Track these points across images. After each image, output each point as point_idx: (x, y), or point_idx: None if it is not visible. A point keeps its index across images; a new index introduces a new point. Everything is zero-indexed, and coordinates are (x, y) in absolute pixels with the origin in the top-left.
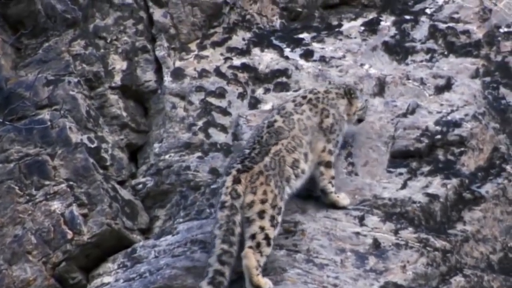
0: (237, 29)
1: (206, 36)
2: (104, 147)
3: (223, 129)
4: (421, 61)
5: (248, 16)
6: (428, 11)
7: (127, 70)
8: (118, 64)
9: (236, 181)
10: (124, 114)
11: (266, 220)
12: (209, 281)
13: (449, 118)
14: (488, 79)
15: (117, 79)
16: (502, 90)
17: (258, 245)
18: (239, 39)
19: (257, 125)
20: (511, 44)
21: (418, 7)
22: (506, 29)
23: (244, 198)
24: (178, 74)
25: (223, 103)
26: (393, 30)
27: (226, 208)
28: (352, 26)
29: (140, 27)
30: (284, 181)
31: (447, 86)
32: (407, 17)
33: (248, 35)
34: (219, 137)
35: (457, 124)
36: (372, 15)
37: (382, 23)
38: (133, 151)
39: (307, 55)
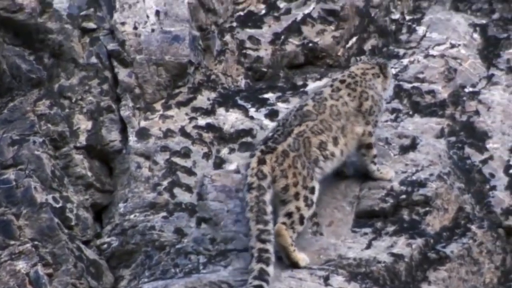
0: (202, 89)
1: (171, 96)
2: (69, 207)
3: (188, 189)
4: (386, 121)
5: (213, 76)
6: (393, 71)
7: (92, 130)
8: (83, 124)
9: (261, 161)
10: (89, 174)
11: (301, 201)
12: (258, 260)
13: (414, 178)
14: (453, 139)
15: (82, 139)
16: (467, 150)
17: (292, 223)
18: (204, 99)
19: (289, 109)
20: (476, 104)
21: None
22: (471, 89)
23: (276, 182)
24: (143, 134)
25: (188, 163)
26: None
27: (254, 189)
28: (317, 86)
29: (105, 87)
30: (312, 162)
31: (412, 146)
32: None
33: (213, 95)
34: (184, 197)
35: (422, 184)
36: (337, 75)
37: None
38: (98, 211)
39: (272, 115)
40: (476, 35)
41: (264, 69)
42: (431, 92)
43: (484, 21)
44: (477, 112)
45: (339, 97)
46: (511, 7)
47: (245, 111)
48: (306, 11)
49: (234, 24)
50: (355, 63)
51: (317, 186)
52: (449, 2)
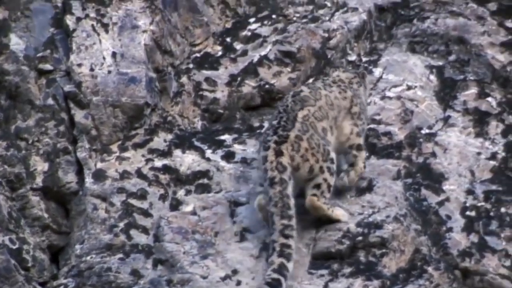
0: (159, 131)
1: (128, 137)
2: (25, 248)
3: (145, 230)
4: None
5: (169, 118)
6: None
7: (49, 172)
8: (40, 165)
9: (278, 153)
10: (46, 215)
11: (326, 172)
12: (279, 254)
13: (370, 219)
14: (409, 180)
15: (39, 180)
16: (424, 191)
17: (322, 192)
18: (160, 140)
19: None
20: (432, 146)
21: None
22: (427, 131)
23: (300, 169)
24: (99, 175)
25: (144, 205)
26: None
27: (277, 184)
28: None
29: (62, 128)
30: (320, 139)
31: (369, 187)
32: None
33: (169, 136)
34: (141, 238)
35: (378, 225)
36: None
37: None
38: (54, 252)
39: (229, 156)
40: (432, 77)
41: (221, 111)
42: (388, 134)
43: (440, 63)
44: (433, 154)
45: (331, 91)
46: (467, 48)
47: (202, 153)
48: (263, 53)
49: (191, 65)
50: (333, 71)
51: (334, 156)
52: (406, 44)
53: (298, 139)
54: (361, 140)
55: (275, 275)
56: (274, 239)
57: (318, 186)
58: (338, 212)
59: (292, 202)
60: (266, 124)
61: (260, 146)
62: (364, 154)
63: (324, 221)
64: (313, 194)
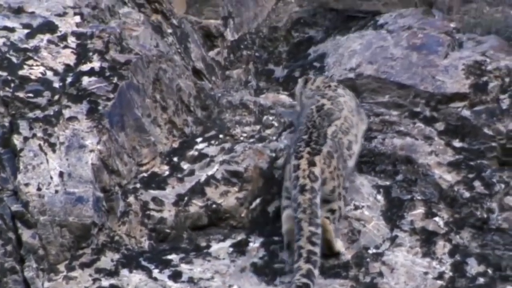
0: (106, 250)
1: (75, 257)
2: None
3: None
4: (289, 281)
5: (116, 237)
6: None
7: None
8: None
9: (311, 163)
10: None
11: (342, 201)
12: (306, 260)
13: None
14: None
15: None
16: None
17: (334, 219)
18: (107, 260)
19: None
20: (379, 265)
21: None
22: (374, 250)
23: (326, 185)
24: None
25: None
26: (261, 251)
27: (307, 191)
28: (220, 247)
29: (9, 248)
30: (343, 162)
31: None
32: (276, 238)
33: (116, 256)
34: None
35: None
36: (240, 236)
37: (251, 244)
38: None
39: (176, 276)
40: (380, 197)
41: (168, 230)
42: (336, 255)
43: (388, 183)
44: (380, 274)
45: (343, 94)
46: (415, 168)
47: (149, 272)
48: (210, 172)
49: (138, 185)
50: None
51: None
52: None
53: (330, 156)
54: None
55: (305, 280)
56: (301, 245)
57: (333, 212)
58: (340, 244)
59: (319, 212)
60: (213, 244)
61: (288, 158)
62: None
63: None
64: (327, 217)
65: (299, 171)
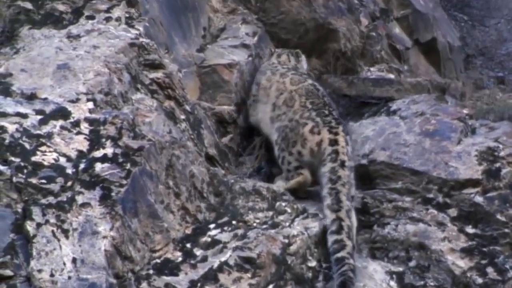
0: None
1: None
2: None
3: None
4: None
5: None
6: None
7: None
8: None
9: (347, 142)
10: None
11: None
12: (347, 236)
13: None
14: None
15: None
16: None
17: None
18: None
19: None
20: None
21: None
22: None
23: None
24: None
25: None
26: None
27: (347, 167)
28: None
29: None
30: None
31: None
32: None
33: None
34: None
35: None
36: None
37: None
38: None
39: None
40: (393, 283)
41: None
42: None
43: (401, 269)
44: None
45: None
46: (427, 254)
47: None
48: (223, 259)
49: (151, 271)
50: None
51: None
52: (366, 250)
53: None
54: None
55: (351, 274)
56: (341, 217)
57: None
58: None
59: (354, 191)
60: None
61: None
62: None
63: None
64: None
65: (339, 146)
